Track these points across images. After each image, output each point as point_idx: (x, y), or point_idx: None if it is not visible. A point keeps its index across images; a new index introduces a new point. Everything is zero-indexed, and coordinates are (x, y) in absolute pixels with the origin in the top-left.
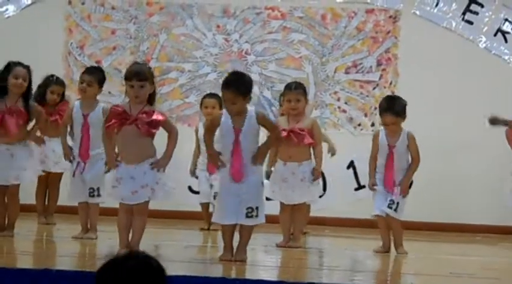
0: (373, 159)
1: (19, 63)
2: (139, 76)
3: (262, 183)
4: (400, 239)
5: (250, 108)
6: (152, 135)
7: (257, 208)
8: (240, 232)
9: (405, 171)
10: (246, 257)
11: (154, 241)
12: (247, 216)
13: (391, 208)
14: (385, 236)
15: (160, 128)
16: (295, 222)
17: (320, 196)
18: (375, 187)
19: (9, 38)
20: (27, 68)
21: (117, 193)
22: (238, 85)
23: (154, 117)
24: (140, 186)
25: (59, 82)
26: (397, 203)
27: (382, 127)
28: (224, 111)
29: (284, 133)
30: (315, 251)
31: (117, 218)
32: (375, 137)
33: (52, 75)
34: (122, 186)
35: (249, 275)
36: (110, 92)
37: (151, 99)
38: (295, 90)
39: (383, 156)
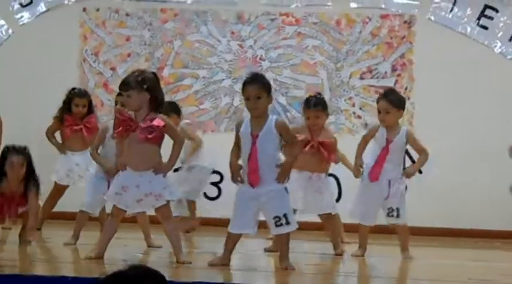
0: (364, 142)
1: (14, 149)
2: (123, 86)
3: (286, 189)
4: (406, 244)
5: (272, 116)
6: (155, 142)
7: (285, 215)
8: (277, 243)
9: (399, 167)
10: (291, 265)
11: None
12: (276, 225)
13: (392, 216)
14: (364, 241)
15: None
16: (328, 231)
17: (336, 202)
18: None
19: (24, 45)
20: (23, 151)
21: (121, 201)
22: (261, 80)
23: (154, 122)
24: (144, 194)
25: (81, 94)
26: (397, 209)
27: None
28: (245, 118)
29: (312, 143)
30: (330, 257)
31: (106, 221)
32: (374, 128)
33: (74, 88)
34: (126, 194)
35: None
36: None
37: (154, 106)
38: (314, 107)
39: (379, 148)
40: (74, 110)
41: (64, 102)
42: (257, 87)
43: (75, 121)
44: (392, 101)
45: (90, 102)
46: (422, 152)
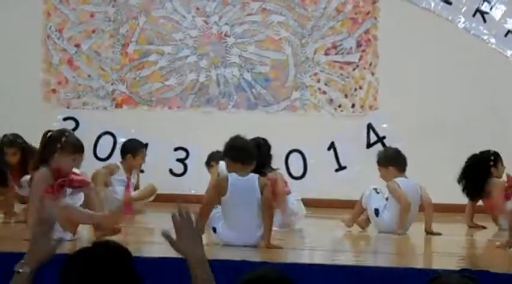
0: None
1: None
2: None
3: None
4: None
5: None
6: None
7: None
8: None
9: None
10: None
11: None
12: None
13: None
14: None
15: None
16: None
17: (301, 177)
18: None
19: None
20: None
21: None
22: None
23: None
24: None
25: (9, 143)
26: None
27: None
28: None
29: None
30: (295, 232)
31: None
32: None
33: (5, 135)
34: None
35: (227, 256)
36: (89, 75)
37: None
38: None
39: None
40: (7, 159)
41: None
42: None
43: (16, 174)
44: (378, 160)
45: (23, 149)
46: (401, 202)
